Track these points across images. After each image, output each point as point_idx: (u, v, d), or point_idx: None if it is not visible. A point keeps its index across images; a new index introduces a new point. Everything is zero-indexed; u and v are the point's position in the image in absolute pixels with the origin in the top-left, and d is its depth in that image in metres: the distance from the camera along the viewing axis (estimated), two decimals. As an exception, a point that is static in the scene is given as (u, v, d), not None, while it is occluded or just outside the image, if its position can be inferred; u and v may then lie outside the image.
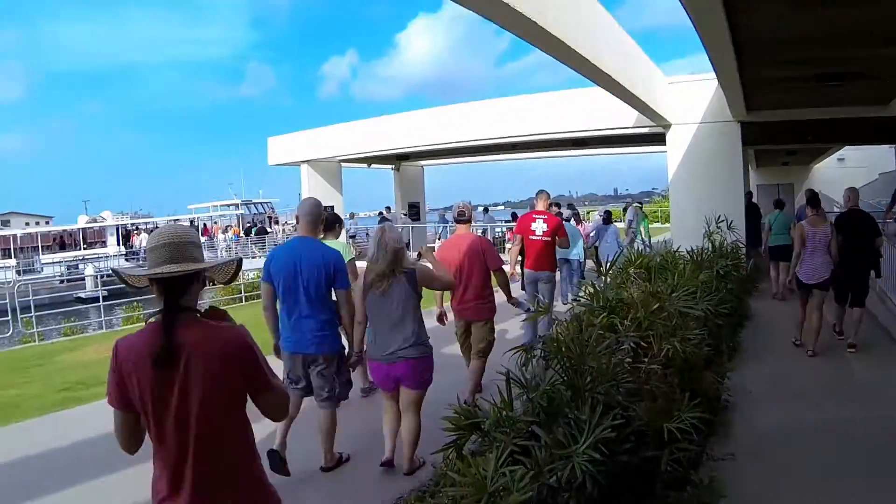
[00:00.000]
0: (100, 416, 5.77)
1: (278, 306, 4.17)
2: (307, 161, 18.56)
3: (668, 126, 10.90)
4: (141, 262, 27.00)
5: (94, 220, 35.73)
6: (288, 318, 4.07)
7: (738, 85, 7.67)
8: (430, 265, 4.43)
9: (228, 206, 38.86)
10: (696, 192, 10.55)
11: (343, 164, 19.68)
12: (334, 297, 4.16)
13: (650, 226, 18.96)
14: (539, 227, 6.71)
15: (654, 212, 31.51)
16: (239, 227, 34.02)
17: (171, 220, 34.25)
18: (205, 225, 36.12)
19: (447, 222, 20.60)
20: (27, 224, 44.04)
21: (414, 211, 22.32)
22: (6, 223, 43.86)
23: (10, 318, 11.54)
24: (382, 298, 3.89)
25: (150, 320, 1.90)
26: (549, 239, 6.68)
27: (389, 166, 22.08)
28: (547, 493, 2.25)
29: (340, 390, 4.19)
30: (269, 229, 31.97)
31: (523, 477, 2.01)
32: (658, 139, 12.65)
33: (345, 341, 4.29)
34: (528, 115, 13.23)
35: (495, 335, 5.47)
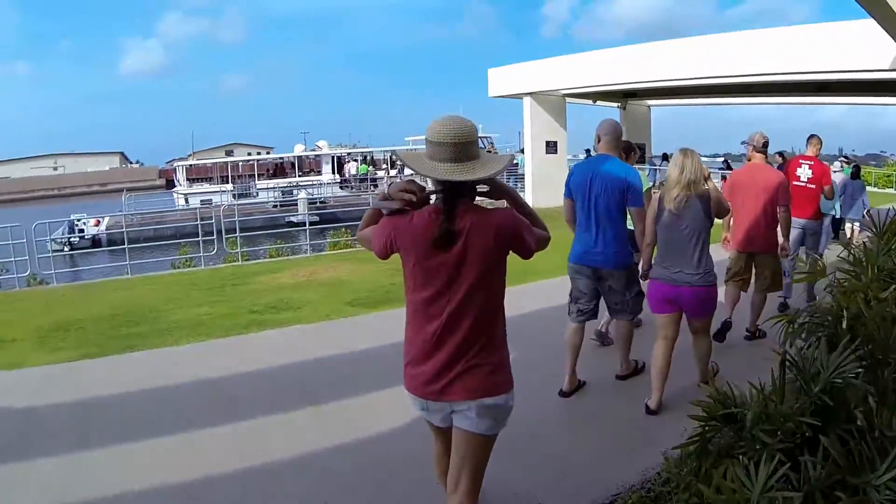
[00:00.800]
0: (277, 345, 5.55)
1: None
2: (530, 94, 17.83)
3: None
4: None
5: (312, 150, 38.12)
6: (579, 232, 4.19)
7: None
8: None
9: None
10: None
11: (567, 100, 18.77)
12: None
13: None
14: (804, 172, 6.24)
15: (888, 175, 28.45)
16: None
17: (389, 150, 35.57)
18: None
19: (655, 166, 19.30)
20: (249, 154, 48.88)
21: (640, 153, 20.81)
22: (230, 153, 49.17)
23: (215, 238, 12.05)
24: (674, 219, 3.83)
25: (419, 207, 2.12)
26: (814, 187, 6.20)
27: (615, 104, 20.82)
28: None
29: (633, 303, 4.27)
30: None
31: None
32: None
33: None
34: (765, 52, 11.56)
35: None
